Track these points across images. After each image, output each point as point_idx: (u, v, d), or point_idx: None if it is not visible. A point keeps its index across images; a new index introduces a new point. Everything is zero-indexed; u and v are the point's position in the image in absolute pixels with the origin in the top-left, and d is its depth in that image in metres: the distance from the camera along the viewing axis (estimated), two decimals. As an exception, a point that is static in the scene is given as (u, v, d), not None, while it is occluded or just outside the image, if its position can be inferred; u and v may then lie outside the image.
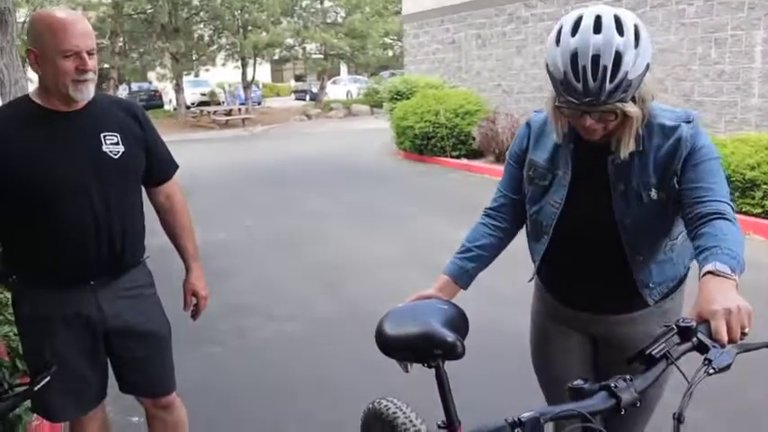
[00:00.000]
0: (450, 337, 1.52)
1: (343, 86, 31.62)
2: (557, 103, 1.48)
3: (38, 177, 1.86)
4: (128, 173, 2.02)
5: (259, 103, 30.11)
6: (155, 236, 2.33)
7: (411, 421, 1.79)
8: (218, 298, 4.56)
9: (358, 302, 4.46)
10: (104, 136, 1.95)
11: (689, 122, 1.51)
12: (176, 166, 2.24)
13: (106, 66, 23.10)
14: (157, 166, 2.15)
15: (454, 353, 1.52)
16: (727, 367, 1.09)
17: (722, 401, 2.97)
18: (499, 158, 9.96)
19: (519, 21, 11.84)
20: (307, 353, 3.88)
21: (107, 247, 1.96)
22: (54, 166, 1.88)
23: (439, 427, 1.60)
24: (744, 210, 5.97)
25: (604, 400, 1.06)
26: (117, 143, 1.97)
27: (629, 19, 1.38)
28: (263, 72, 36.36)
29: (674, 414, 1.05)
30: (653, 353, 1.11)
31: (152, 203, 2.23)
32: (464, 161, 10.52)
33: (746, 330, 1.14)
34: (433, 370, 1.58)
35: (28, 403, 2.22)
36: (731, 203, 1.44)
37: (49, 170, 1.87)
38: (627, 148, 1.49)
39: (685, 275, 1.69)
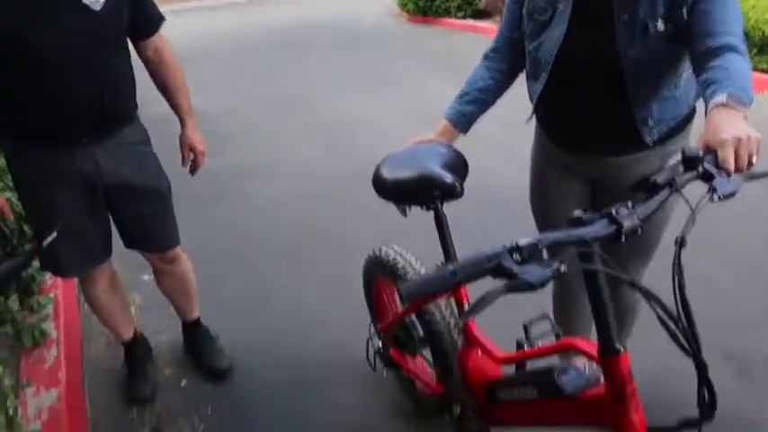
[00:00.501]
0: (448, 177, 1.53)
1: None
2: None
3: (16, 32, 1.77)
4: (111, 24, 1.93)
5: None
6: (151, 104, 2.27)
7: (411, 264, 1.83)
8: (221, 160, 4.62)
9: (362, 161, 4.40)
10: None
11: None
12: (162, 18, 2.16)
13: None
14: (142, 18, 2.07)
15: (453, 193, 1.53)
16: (732, 194, 1.07)
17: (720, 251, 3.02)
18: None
19: None
20: (312, 210, 3.94)
21: (96, 102, 1.91)
22: (31, 19, 1.78)
23: (438, 266, 1.62)
24: (760, 67, 5.79)
25: (605, 226, 1.03)
26: None
27: None
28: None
29: (677, 238, 1.02)
30: (657, 180, 1.09)
31: (141, 60, 2.17)
32: (470, 22, 10.09)
33: (754, 160, 1.11)
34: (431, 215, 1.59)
35: (38, 263, 2.27)
36: (742, 37, 1.36)
37: (27, 24, 1.78)
38: None
39: (690, 117, 1.64)
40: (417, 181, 1.57)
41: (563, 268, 0.94)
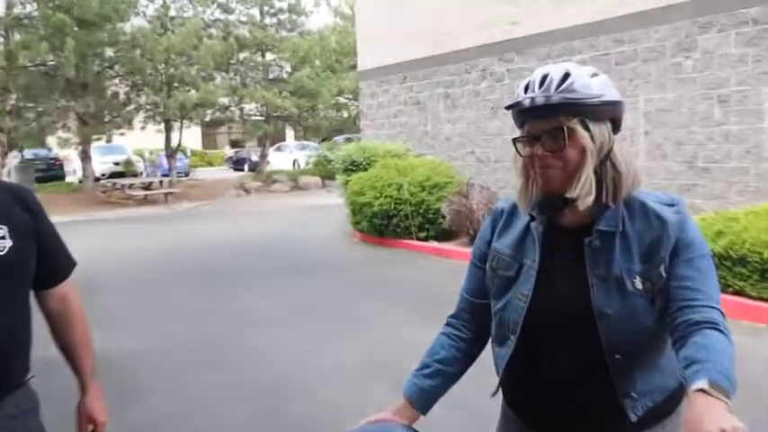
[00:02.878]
0: None
1: (289, 154, 31.76)
2: (513, 137, 1.69)
3: None
4: (14, 274, 1.99)
5: (186, 174, 30.13)
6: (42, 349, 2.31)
7: None
8: (126, 422, 4.38)
9: (306, 430, 4.35)
10: None
11: (672, 206, 1.64)
12: (73, 264, 2.24)
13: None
14: (51, 265, 2.14)
15: None
16: None
17: None
18: (474, 239, 9.91)
19: (493, 78, 12.06)
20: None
21: None
22: None
23: None
24: (764, 296, 6.12)
25: None
26: (3, 237, 1.97)
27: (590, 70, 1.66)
28: (192, 137, 36.49)
29: None
30: None
31: (42, 309, 2.20)
32: (434, 244, 10.60)
33: None
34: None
35: None
36: (722, 311, 1.53)
37: None
38: (583, 188, 1.61)
39: (679, 395, 1.71)
40: None
41: None
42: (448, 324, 1.90)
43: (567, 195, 1.62)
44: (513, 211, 1.81)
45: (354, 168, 12.69)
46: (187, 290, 8.79)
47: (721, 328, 1.49)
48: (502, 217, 1.83)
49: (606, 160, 1.61)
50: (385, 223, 11.13)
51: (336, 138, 29.33)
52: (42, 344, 2.23)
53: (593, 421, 1.68)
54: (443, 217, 10.58)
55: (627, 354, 1.61)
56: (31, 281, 2.09)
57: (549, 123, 1.60)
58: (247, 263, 10.39)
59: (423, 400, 1.81)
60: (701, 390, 1.32)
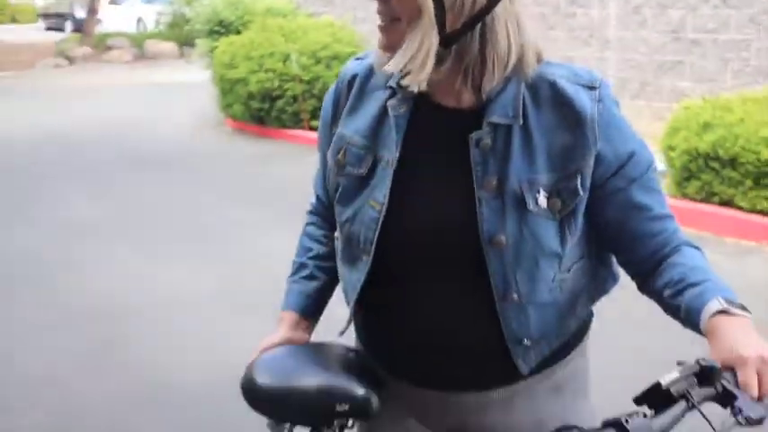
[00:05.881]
0: (359, 388, 1.68)
1: (131, 8, 30.93)
2: None
3: None
4: None
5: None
6: None
7: None
8: None
9: (151, 373, 4.31)
10: None
11: (591, 89, 1.60)
12: None
13: None
14: None
15: (366, 410, 1.68)
16: (760, 421, 1.33)
17: None
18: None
19: None
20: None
21: None
22: None
23: None
24: (759, 208, 6.32)
25: None
26: None
27: None
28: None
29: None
30: (671, 389, 1.34)
31: None
32: None
33: None
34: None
35: None
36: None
37: None
38: (411, 60, 1.52)
39: (581, 332, 1.79)
40: (313, 391, 1.70)
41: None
42: (310, 213, 1.97)
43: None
44: (368, 77, 1.73)
45: (223, 31, 12.53)
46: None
47: (696, 245, 1.65)
48: (353, 86, 1.74)
49: (472, 27, 1.50)
50: (266, 107, 11.12)
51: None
52: None
53: (472, 370, 1.70)
54: (346, 99, 10.79)
55: (522, 294, 1.61)
56: None
57: None
58: (73, 156, 10.34)
59: (311, 307, 1.89)
60: (721, 311, 1.46)
